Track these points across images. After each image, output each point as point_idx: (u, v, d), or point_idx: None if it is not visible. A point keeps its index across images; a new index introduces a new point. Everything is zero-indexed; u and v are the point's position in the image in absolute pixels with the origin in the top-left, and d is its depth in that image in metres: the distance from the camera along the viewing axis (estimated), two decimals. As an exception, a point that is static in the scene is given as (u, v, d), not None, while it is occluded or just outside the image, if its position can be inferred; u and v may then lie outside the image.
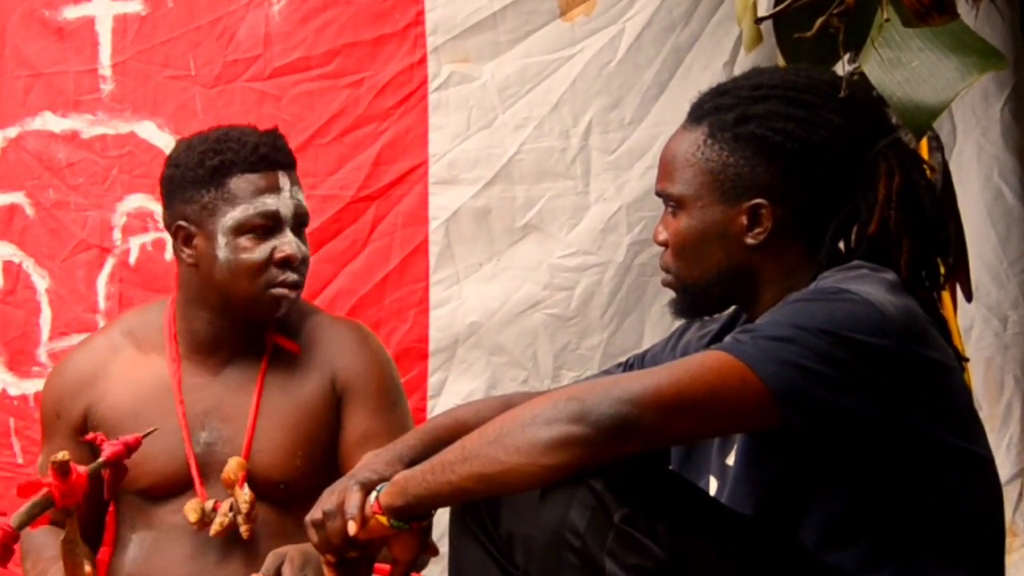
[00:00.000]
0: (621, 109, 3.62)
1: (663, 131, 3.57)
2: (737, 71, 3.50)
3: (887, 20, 2.38)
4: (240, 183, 3.00)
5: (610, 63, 3.62)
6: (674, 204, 2.36)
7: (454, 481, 2.12)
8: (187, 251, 3.02)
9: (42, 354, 3.61)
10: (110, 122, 3.66)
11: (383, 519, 2.19)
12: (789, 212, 2.30)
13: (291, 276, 3.00)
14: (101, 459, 2.63)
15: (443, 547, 2.34)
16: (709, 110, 2.36)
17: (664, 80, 3.61)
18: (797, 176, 2.30)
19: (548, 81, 3.63)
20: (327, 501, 2.24)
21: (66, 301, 3.64)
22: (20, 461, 3.49)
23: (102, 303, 3.64)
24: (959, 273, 2.92)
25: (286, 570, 2.78)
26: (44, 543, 2.98)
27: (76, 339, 3.52)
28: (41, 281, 3.52)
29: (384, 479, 2.23)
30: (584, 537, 2.12)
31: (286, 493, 3.02)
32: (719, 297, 2.37)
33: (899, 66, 2.40)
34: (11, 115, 3.66)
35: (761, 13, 2.93)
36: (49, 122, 3.66)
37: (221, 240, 2.99)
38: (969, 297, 2.96)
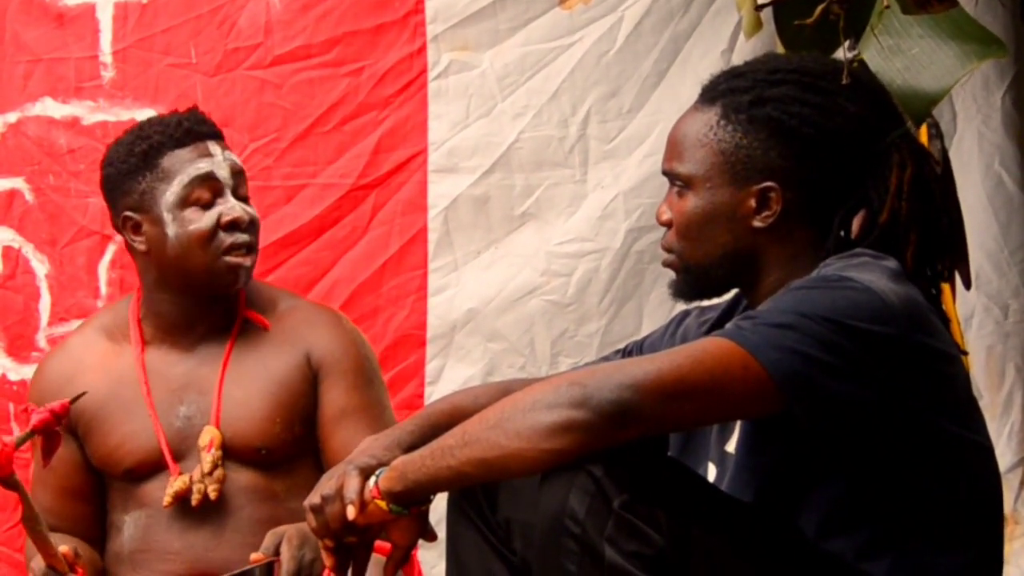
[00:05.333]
0: (619, 98, 3.62)
1: (661, 119, 3.57)
2: (736, 59, 3.51)
3: (887, 7, 2.38)
4: (172, 160, 3.02)
5: (609, 52, 3.62)
6: (681, 184, 2.34)
7: (454, 466, 2.11)
8: (138, 239, 3.05)
9: (41, 339, 3.61)
10: (111, 109, 3.66)
11: (382, 504, 2.18)
12: (798, 197, 2.29)
13: (241, 238, 3.02)
14: (28, 428, 2.66)
15: (441, 532, 2.35)
16: (723, 91, 2.34)
17: (663, 69, 3.61)
18: (809, 161, 2.29)
19: (547, 69, 3.63)
20: (325, 486, 2.24)
21: (65, 286, 3.65)
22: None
23: (104, 289, 3.66)
24: (958, 261, 2.91)
25: (284, 549, 2.81)
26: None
27: (76, 325, 3.52)
28: (40, 266, 3.52)
29: (383, 464, 2.22)
30: (583, 523, 2.11)
31: (269, 458, 3.05)
32: (720, 279, 2.36)
33: (899, 53, 2.40)
34: (11, 100, 3.66)
35: (761, 0, 2.93)
36: (50, 108, 3.66)
37: (167, 218, 3.01)
38: (968, 285, 2.96)
